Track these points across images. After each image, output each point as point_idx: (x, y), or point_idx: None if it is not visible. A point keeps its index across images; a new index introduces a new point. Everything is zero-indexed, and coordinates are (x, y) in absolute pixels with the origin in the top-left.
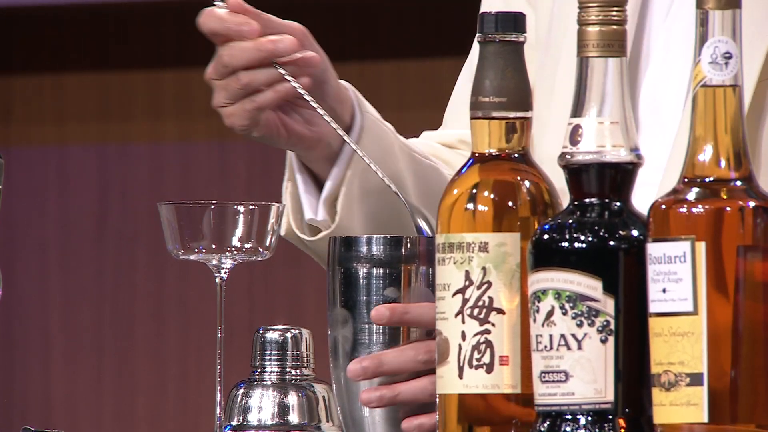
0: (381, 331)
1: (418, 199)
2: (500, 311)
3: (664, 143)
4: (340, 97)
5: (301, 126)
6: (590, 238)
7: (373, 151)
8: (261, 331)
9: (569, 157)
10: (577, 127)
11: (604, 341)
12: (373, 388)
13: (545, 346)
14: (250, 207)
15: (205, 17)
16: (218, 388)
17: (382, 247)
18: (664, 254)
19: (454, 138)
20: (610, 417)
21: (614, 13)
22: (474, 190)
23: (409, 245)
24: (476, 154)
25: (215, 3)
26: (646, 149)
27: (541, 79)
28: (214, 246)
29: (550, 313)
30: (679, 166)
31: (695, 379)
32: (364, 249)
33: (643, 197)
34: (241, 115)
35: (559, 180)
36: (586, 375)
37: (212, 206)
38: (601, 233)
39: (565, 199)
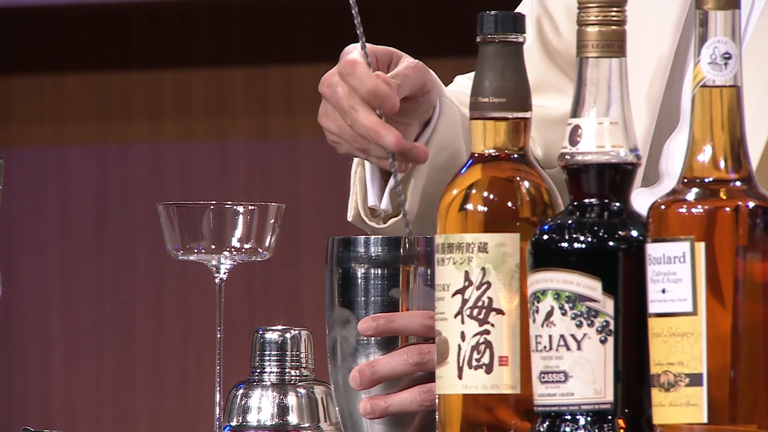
0: None
1: None
2: (500, 312)
3: None
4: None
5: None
6: (590, 239)
7: (446, 133)
8: (260, 332)
9: (569, 157)
10: (576, 128)
11: (603, 341)
12: (368, 398)
13: (544, 347)
14: (250, 207)
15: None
16: (218, 388)
17: (380, 247)
18: (663, 254)
19: None
20: (610, 417)
21: (614, 14)
22: (473, 191)
23: (407, 246)
24: (475, 155)
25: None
26: (685, 140)
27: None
28: (213, 246)
29: (549, 314)
30: None
31: (695, 380)
32: (362, 249)
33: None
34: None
35: None
36: (585, 375)
37: (212, 206)
38: (601, 234)
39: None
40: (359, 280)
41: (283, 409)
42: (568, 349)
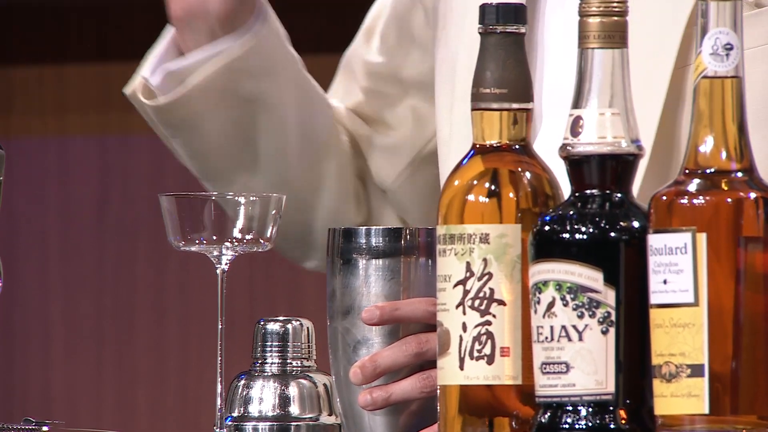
0: None
1: (297, 112)
2: (501, 302)
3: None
4: None
5: None
6: (591, 230)
7: (266, 49)
8: (262, 323)
9: (570, 148)
10: (578, 119)
11: (605, 332)
12: (368, 390)
13: (546, 338)
14: (251, 198)
15: None
16: (219, 379)
17: (381, 238)
18: (665, 245)
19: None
20: (611, 408)
21: (615, 4)
22: (475, 181)
23: (409, 237)
24: (477, 146)
25: None
26: (547, 138)
27: (440, 74)
28: (214, 237)
29: (551, 305)
30: None
31: (696, 371)
32: (363, 240)
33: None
34: None
35: None
36: (586, 366)
37: (213, 197)
38: (602, 224)
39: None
40: (360, 271)
41: (284, 400)
42: (570, 340)
